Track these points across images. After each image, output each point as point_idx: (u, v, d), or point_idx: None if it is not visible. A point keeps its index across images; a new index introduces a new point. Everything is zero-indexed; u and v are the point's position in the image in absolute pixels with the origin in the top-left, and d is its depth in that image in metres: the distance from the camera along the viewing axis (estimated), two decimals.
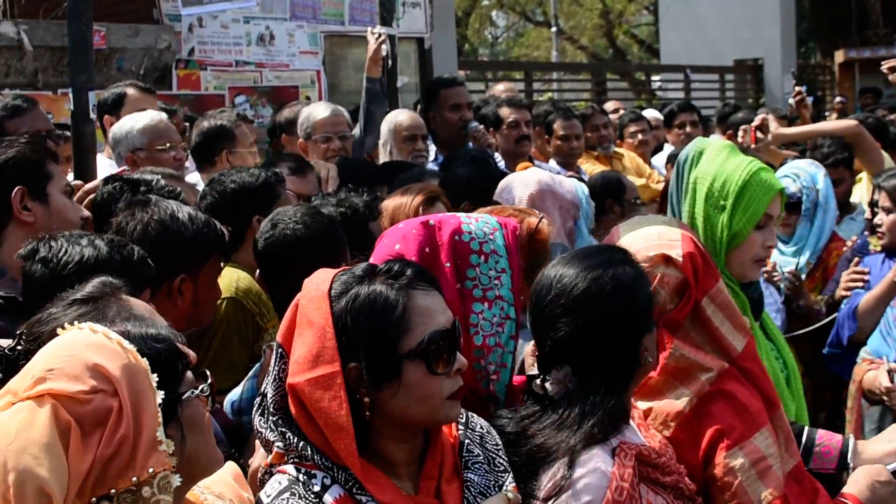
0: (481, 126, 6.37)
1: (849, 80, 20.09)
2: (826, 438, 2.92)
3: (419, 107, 6.96)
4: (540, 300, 2.41)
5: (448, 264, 2.48)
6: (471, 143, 6.27)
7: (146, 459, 1.62)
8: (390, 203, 3.82)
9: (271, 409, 2.11)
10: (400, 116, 6.15)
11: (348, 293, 2.06)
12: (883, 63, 7.05)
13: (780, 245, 5.22)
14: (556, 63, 26.60)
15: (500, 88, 8.87)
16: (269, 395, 2.12)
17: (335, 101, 6.94)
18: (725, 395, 2.58)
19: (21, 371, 1.67)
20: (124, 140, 4.67)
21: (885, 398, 3.96)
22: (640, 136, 8.27)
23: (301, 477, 2.03)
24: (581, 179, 5.62)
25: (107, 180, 3.59)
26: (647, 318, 2.42)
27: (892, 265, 4.78)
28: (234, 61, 9.71)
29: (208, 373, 1.88)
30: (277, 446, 2.09)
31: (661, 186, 7.18)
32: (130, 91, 5.50)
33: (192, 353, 1.84)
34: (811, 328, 5.05)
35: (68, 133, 4.97)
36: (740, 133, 6.73)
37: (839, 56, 20.54)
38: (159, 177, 3.64)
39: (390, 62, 7.36)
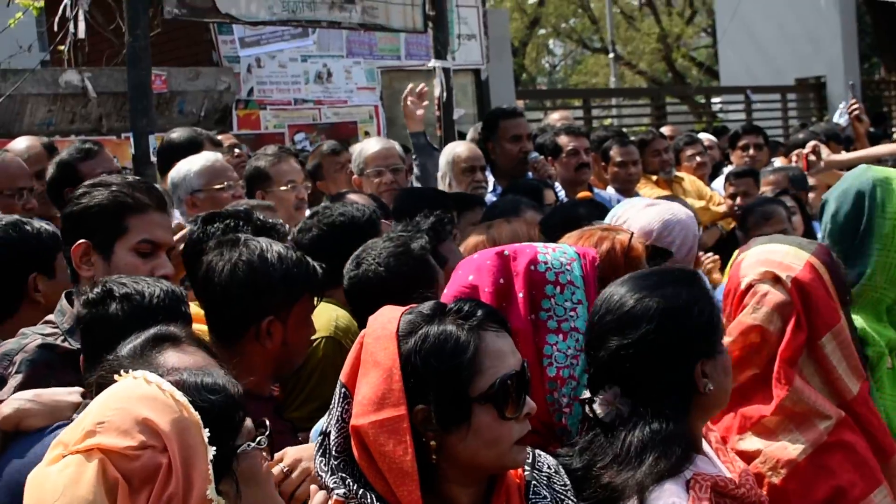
0: (541, 156, 6.34)
1: None
2: None
3: (478, 137, 6.94)
4: (592, 317, 2.35)
5: (521, 294, 2.43)
6: (531, 174, 6.24)
7: None
8: (472, 240, 3.71)
9: (333, 453, 2.05)
10: (458, 148, 6.13)
11: (417, 333, 2.00)
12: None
13: None
14: (614, 89, 26.51)
15: (555, 117, 8.84)
16: (332, 437, 2.06)
17: (394, 136, 6.98)
18: (845, 447, 2.47)
19: (74, 422, 1.65)
20: (182, 184, 4.69)
21: None
22: (697, 159, 8.17)
23: None
24: None
25: (203, 219, 3.57)
26: (704, 342, 2.29)
27: None
28: (293, 99, 9.83)
29: (268, 423, 1.83)
30: (337, 494, 2.04)
31: (721, 208, 7.08)
32: (207, 146, 5.49)
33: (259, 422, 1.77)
34: None
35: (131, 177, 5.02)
36: (794, 158, 6.59)
37: None
38: (256, 211, 3.61)
39: (445, 95, 7.37)
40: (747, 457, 2.48)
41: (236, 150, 6.25)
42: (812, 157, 5.99)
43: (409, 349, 1.98)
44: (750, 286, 2.64)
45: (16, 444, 2.38)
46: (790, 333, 2.53)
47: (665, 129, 10.10)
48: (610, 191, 6.81)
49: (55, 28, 6.28)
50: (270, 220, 3.60)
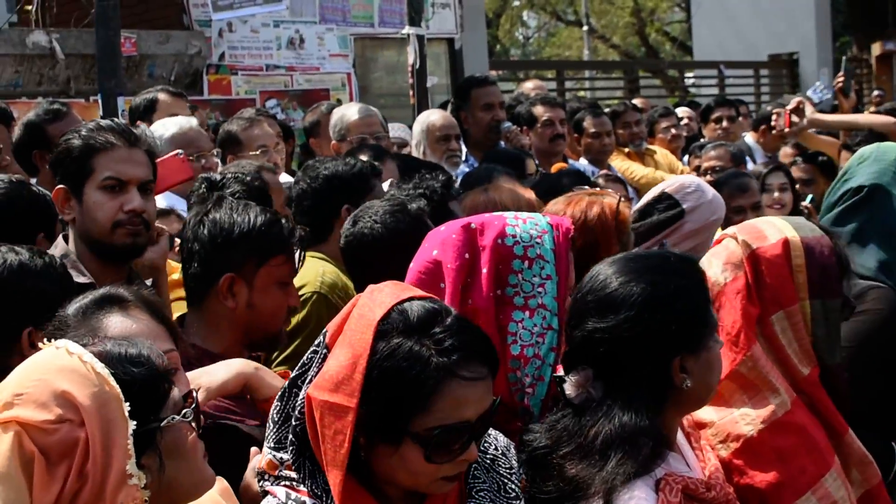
0: (514, 126, 6.30)
1: (886, 73, 19.82)
2: None
3: (450, 107, 6.90)
4: (575, 293, 2.27)
5: (485, 269, 2.36)
6: (503, 143, 6.20)
7: (115, 493, 1.56)
8: (469, 202, 3.62)
9: (296, 413, 2.00)
10: (432, 117, 6.08)
11: (392, 341, 1.92)
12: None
13: None
14: (588, 61, 26.45)
15: (528, 86, 8.77)
16: (300, 396, 2.00)
17: (366, 103, 6.90)
18: (796, 429, 2.43)
19: None
20: None
21: None
22: (672, 131, 8.18)
23: None
24: (617, 179, 5.54)
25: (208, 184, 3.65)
26: (685, 336, 2.17)
27: None
28: (265, 65, 9.71)
29: (195, 393, 1.79)
30: (274, 456, 2.01)
31: None
32: (161, 96, 5.49)
33: (185, 382, 1.73)
34: None
35: None
36: (773, 116, 6.59)
37: (876, 49, 20.25)
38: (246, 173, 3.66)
39: (419, 62, 7.31)
40: (700, 426, 2.44)
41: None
42: (795, 118, 5.99)
43: (378, 351, 1.92)
44: (721, 239, 2.65)
45: None
46: (743, 300, 2.49)
47: (637, 101, 10.09)
48: (583, 161, 6.81)
49: None
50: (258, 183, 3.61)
